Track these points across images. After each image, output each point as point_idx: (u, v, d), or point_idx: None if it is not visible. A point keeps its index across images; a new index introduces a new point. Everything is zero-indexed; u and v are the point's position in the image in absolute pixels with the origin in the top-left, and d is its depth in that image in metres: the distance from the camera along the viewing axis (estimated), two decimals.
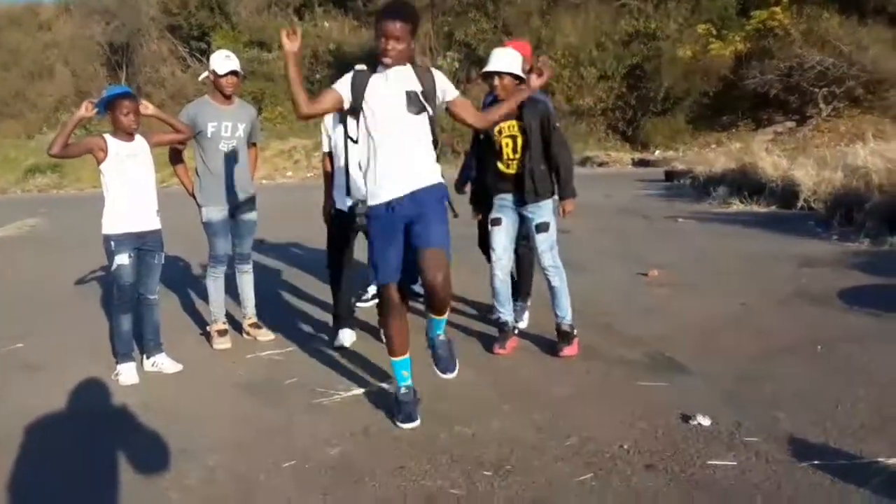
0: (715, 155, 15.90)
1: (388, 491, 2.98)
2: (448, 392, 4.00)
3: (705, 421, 3.41)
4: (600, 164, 22.15)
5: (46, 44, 34.75)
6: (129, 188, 4.46)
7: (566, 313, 4.64)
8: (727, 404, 3.64)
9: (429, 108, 3.50)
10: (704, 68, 23.07)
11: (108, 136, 4.45)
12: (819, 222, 8.82)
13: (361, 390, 4.14)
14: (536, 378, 4.23)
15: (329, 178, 5.12)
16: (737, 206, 11.03)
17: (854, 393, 3.70)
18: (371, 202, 3.56)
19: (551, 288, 4.65)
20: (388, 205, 3.49)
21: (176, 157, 5.12)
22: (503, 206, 4.69)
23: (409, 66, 3.51)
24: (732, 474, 2.94)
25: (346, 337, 5.07)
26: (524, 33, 24.27)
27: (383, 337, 3.69)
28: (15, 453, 3.52)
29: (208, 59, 5.60)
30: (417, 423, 3.60)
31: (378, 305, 3.69)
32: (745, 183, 11.78)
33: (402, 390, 3.70)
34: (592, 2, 25.51)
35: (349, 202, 4.94)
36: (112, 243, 4.45)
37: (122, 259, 4.45)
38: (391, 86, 3.46)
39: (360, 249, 5.18)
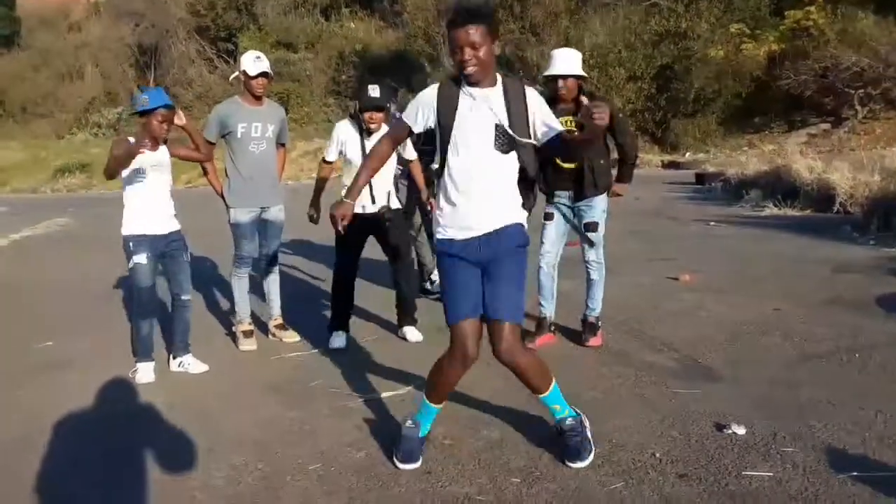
0: (747, 157, 15.68)
1: (413, 495, 2.94)
2: (475, 396, 3.95)
3: (740, 430, 3.33)
4: (635, 166, 21.93)
5: (76, 45, 35.26)
6: (148, 194, 4.48)
7: (597, 306, 4.86)
8: (761, 412, 3.55)
9: (518, 146, 3.07)
10: (736, 69, 22.77)
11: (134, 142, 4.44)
12: (855, 227, 8.62)
13: (387, 393, 4.10)
14: (566, 383, 4.12)
15: (323, 183, 5.15)
16: (770, 210, 10.86)
17: (893, 401, 3.60)
18: (439, 235, 3.19)
19: (590, 280, 4.87)
20: (454, 246, 3.12)
21: None
22: (558, 202, 4.77)
23: (498, 86, 3.07)
24: (769, 485, 2.86)
25: (342, 340, 5.08)
26: (552, 34, 24.17)
27: (429, 375, 3.29)
28: (42, 451, 3.53)
29: (235, 60, 5.63)
30: (418, 464, 3.20)
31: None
32: (778, 186, 11.57)
33: (409, 424, 3.26)
34: (622, 1, 25.29)
35: (374, 208, 4.94)
36: (130, 244, 4.46)
37: (140, 259, 4.46)
38: (478, 114, 3.03)
39: (374, 248, 5.18)
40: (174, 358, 4.74)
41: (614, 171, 4.94)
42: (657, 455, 3.17)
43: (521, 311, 3.18)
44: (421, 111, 3.13)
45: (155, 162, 4.48)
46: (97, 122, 31.81)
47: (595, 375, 4.27)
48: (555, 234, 4.82)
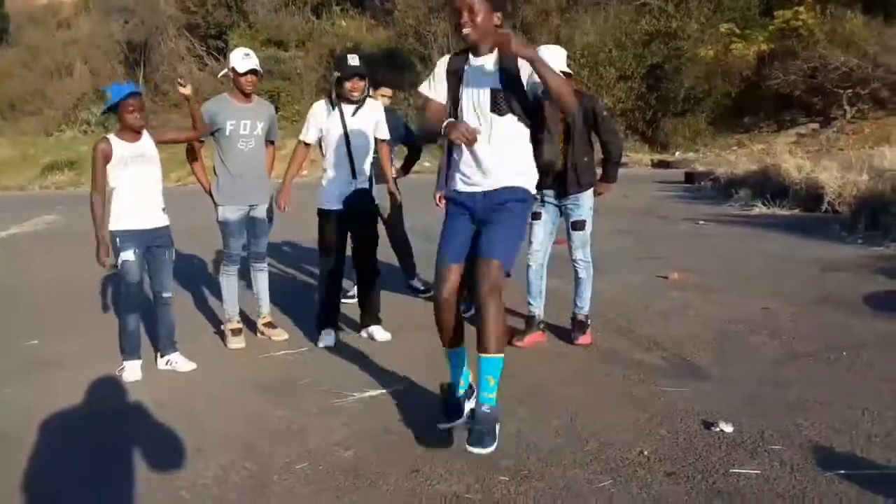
0: (736, 157, 15.73)
1: (401, 495, 2.93)
2: None
3: (728, 427, 3.34)
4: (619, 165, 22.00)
5: (65, 42, 35.04)
6: (134, 187, 4.43)
7: (585, 304, 4.87)
8: (749, 410, 3.56)
9: (515, 109, 3.22)
10: (726, 68, 22.85)
11: (112, 139, 4.40)
12: (844, 226, 8.67)
13: (376, 392, 4.09)
14: (554, 381, 4.17)
15: (297, 168, 5.13)
16: (759, 209, 10.90)
17: (881, 400, 3.62)
18: (449, 185, 3.41)
19: (577, 279, 4.87)
20: (461, 195, 3.33)
21: (193, 155, 5.10)
22: (544, 200, 4.75)
23: (495, 52, 3.22)
24: (756, 483, 2.87)
25: (330, 338, 5.05)
26: (543, 32, 24.19)
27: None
28: (29, 450, 3.51)
29: (225, 57, 5.61)
30: (462, 420, 3.35)
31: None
32: (767, 185, 11.63)
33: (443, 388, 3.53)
34: (612, 1, 25.34)
35: (355, 185, 4.91)
36: (118, 239, 4.43)
37: (128, 255, 4.43)
38: (478, 80, 3.23)
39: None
40: (161, 356, 4.72)
41: (601, 170, 4.95)
42: (645, 453, 3.17)
43: (512, 259, 3.23)
44: (431, 82, 3.38)
45: (137, 153, 4.43)
46: (86, 120, 31.60)
47: (584, 373, 4.27)
48: (543, 232, 4.81)
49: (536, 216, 4.77)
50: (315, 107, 5.08)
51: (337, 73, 4.96)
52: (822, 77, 20.43)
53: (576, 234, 4.79)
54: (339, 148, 4.92)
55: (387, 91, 6.48)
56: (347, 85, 4.86)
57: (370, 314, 5.21)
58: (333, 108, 4.94)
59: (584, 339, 4.80)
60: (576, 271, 4.87)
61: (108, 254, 4.42)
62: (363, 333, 5.19)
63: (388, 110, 5.92)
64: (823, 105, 21.26)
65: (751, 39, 22.87)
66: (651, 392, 3.90)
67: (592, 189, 4.81)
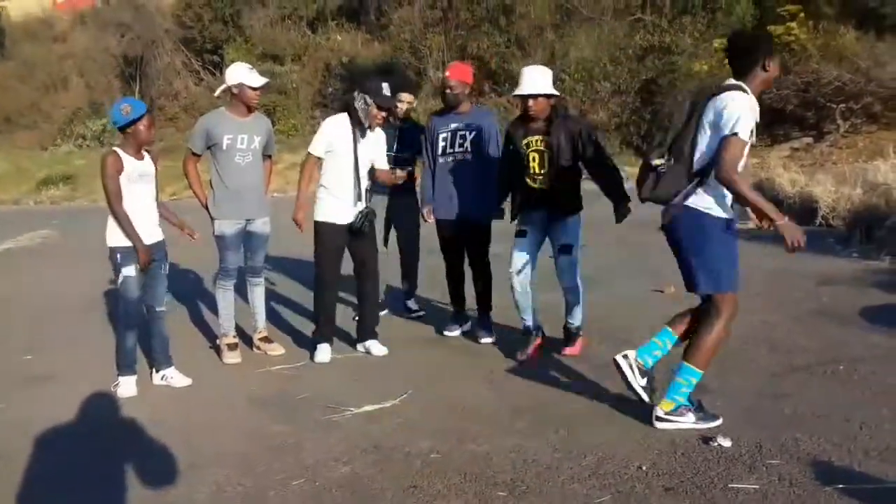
0: None
1: None
2: (461, 409, 3.94)
3: (726, 442, 3.33)
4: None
5: (61, 56, 35.06)
6: (135, 204, 4.41)
7: (576, 320, 4.81)
8: (747, 424, 3.55)
9: None
10: (720, 83, 22.98)
11: (121, 153, 4.39)
12: (838, 239, 8.68)
13: (373, 407, 4.07)
14: (551, 395, 4.15)
15: (308, 183, 5.00)
16: (753, 223, 10.90)
17: (878, 413, 3.61)
18: (717, 213, 3.71)
19: (566, 301, 4.79)
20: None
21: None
22: (530, 221, 4.70)
23: None
24: (755, 498, 2.86)
25: (325, 353, 5.02)
26: (537, 47, 24.31)
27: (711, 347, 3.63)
28: (22, 466, 3.48)
29: (221, 72, 5.61)
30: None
31: None
32: None
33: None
34: (606, 16, 25.50)
35: (358, 208, 4.91)
36: (119, 255, 4.40)
37: (130, 271, 4.41)
38: None
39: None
40: (157, 371, 4.69)
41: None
42: (643, 468, 3.16)
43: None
44: None
45: (141, 172, 4.44)
46: (81, 134, 31.54)
47: (581, 387, 4.26)
48: (527, 251, 4.71)
49: (521, 234, 4.72)
50: (329, 122, 5.00)
51: (366, 97, 4.85)
52: (814, 91, 20.53)
53: (562, 259, 4.66)
54: (346, 171, 4.90)
55: (408, 97, 6.06)
56: (375, 112, 4.86)
57: (367, 329, 5.18)
58: (362, 136, 4.92)
59: (570, 350, 4.78)
60: (564, 295, 4.79)
61: (149, 255, 4.40)
62: (360, 348, 5.17)
63: (410, 124, 5.87)
64: (817, 119, 21.34)
65: None
66: (649, 406, 3.88)
67: (578, 212, 4.69)
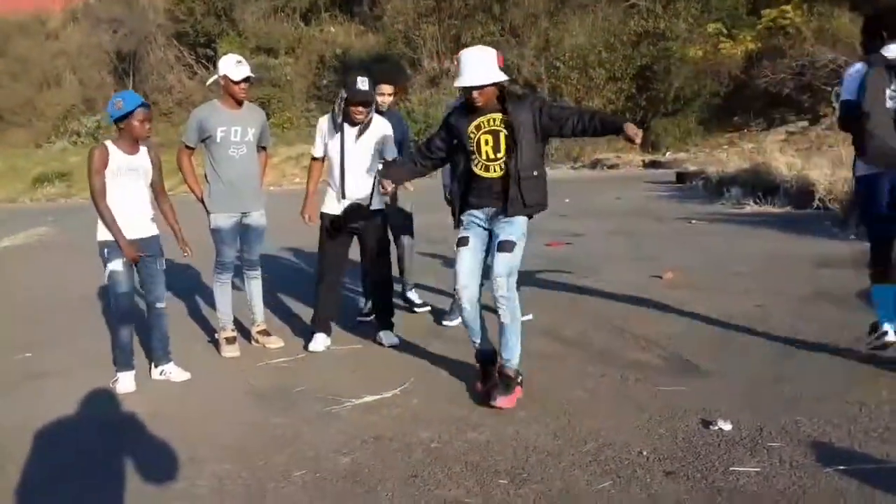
0: (727, 156, 15.81)
1: (401, 500, 2.91)
2: (461, 397, 3.94)
3: (726, 426, 3.33)
4: (610, 167, 22.12)
5: (54, 53, 34.95)
6: (124, 198, 4.37)
7: (513, 356, 3.89)
8: (747, 408, 3.55)
9: None
10: (715, 68, 22.97)
11: (111, 147, 4.34)
12: (835, 222, 8.70)
13: (372, 398, 4.06)
14: (551, 383, 4.15)
15: (317, 182, 5.16)
16: (751, 207, 10.93)
17: (877, 395, 3.62)
18: None
19: (500, 323, 3.86)
20: None
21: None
22: (472, 222, 4.00)
23: None
24: (756, 481, 2.86)
25: (321, 342, 5.03)
26: (531, 35, 24.26)
27: None
28: (23, 462, 3.47)
29: (215, 65, 5.56)
30: None
31: None
32: (758, 183, 11.68)
33: None
34: (601, 2, 25.43)
35: (344, 204, 4.91)
36: (106, 250, 4.37)
37: (116, 265, 4.37)
38: None
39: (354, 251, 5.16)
40: (155, 366, 4.68)
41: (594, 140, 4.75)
42: (644, 453, 3.16)
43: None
44: None
45: (132, 166, 4.39)
46: (76, 130, 31.54)
47: (581, 374, 4.25)
48: (472, 262, 3.94)
49: (463, 242, 3.96)
50: (321, 121, 5.09)
51: (344, 95, 4.85)
52: (810, 75, 20.55)
53: (501, 257, 3.78)
54: (334, 169, 4.95)
55: (388, 88, 5.76)
56: (351, 109, 4.83)
57: (383, 320, 5.17)
58: (336, 130, 4.92)
59: (503, 402, 3.73)
60: (497, 312, 3.84)
61: (136, 251, 4.38)
62: (376, 338, 5.17)
63: (388, 113, 5.72)
64: (812, 103, 21.38)
65: (739, 39, 23.01)
66: (648, 391, 3.89)
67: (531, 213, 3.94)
